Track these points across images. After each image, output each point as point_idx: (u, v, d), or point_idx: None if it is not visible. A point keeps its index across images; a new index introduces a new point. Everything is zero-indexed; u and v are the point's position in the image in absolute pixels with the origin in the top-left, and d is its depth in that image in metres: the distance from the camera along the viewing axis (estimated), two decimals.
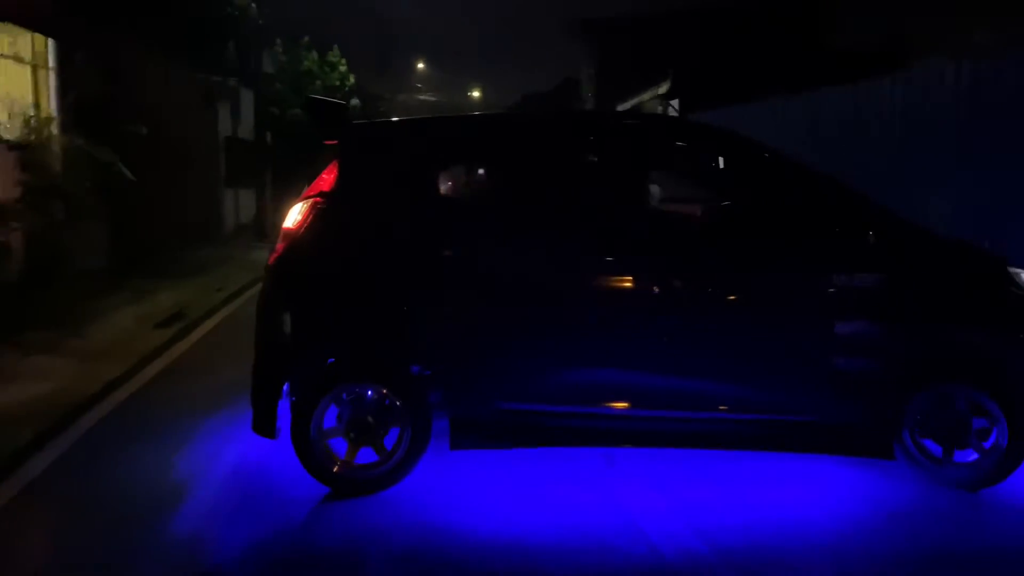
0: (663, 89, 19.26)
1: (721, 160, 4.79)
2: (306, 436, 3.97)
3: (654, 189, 5.41)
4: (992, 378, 4.10)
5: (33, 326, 7.10)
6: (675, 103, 18.59)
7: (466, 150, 4.60)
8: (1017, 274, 4.26)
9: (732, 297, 4.19)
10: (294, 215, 4.14)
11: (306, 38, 23.21)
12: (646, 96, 20.90)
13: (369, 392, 4.06)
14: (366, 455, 4.04)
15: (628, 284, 4.13)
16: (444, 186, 4.57)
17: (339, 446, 4.04)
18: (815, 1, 18.93)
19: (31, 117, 9.56)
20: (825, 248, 4.16)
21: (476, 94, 62.05)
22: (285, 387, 4.09)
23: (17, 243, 8.36)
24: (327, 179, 4.20)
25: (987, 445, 4.07)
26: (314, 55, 23.35)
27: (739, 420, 4.18)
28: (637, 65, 21.65)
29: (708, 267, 4.21)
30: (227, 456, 4.47)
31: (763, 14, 19.24)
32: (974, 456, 4.10)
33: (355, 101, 23.63)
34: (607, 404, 4.14)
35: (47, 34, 9.86)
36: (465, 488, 4.08)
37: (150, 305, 8.59)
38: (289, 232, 4.12)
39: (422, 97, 50.64)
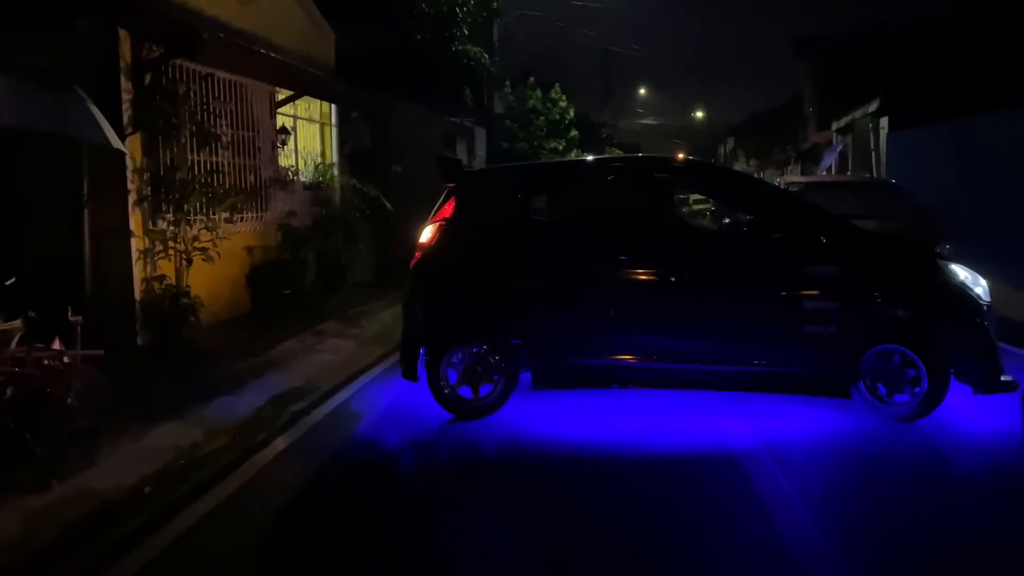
0: (873, 107, 19.43)
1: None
2: (436, 379, 5.89)
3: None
4: (918, 341, 5.49)
5: (328, 319, 9.62)
6: (884, 121, 18.70)
7: (538, 186, 6.47)
8: (945, 265, 5.66)
9: (736, 286, 5.74)
10: (426, 233, 6.09)
11: (532, 79, 25.70)
12: (857, 114, 21.04)
13: (479, 350, 5.91)
14: (476, 392, 5.88)
15: (657, 278, 5.76)
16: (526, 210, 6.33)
17: (459, 387, 5.89)
18: None
19: (319, 164, 12.47)
20: (796, 249, 5.69)
21: (699, 115, 62.36)
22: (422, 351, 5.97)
23: (311, 260, 11.04)
24: (448, 208, 6.09)
25: (916, 390, 5.47)
26: (538, 93, 25.79)
27: (743, 371, 5.71)
28: (850, 82, 21.78)
29: (720, 265, 5.81)
30: (391, 397, 6.60)
31: (974, 25, 18.76)
32: (907, 398, 5.50)
33: (574, 132, 25.75)
34: (644, 361, 5.80)
35: (331, 101, 12.75)
36: (567, 416, 5.89)
37: None
38: (423, 245, 6.09)
39: (644, 122, 52.01)
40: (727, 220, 7.78)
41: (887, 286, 5.66)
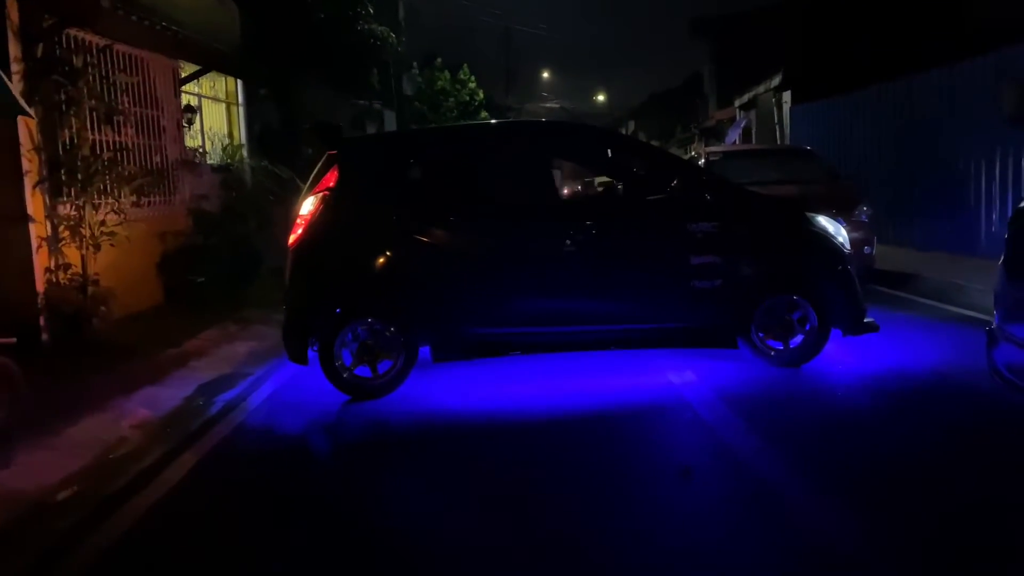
0: (775, 82, 19.97)
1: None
2: (330, 360, 5.53)
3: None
4: (805, 290, 5.72)
5: (247, 307, 9.13)
6: (787, 95, 19.24)
7: (425, 152, 6.20)
8: (813, 217, 5.87)
9: (626, 247, 5.75)
10: (307, 205, 5.61)
11: (439, 59, 25.29)
12: (760, 89, 21.60)
13: (374, 327, 5.58)
14: (375, 371, 5.57)
15: (552, 243, 5.64)
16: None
17: (356, 367, 5.57)
18: None
19: (227, 145, 11.84)
20: (681, 208, 5.71)
21: (601, 98, 63.09)
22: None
23: (224, 246, 10.44)
24: (330, 178, 5.64)
25: (800, 337, 5.73)
26: (446, 75, 25.42)
27: (642, 329, 5.75)
28: (751, 59, 22.32)
29: (612, 228, 5.76)
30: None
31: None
32: (794, 344, 5.75)
33: (484, 114, 25.49)
34: (541, 326, 5.72)
35: (237, 76, 12.12)
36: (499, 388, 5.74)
37: None
38: (306, 218, 5.59)
39: (548, 105, 52.16)
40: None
41: (766, 241, 5.85)
